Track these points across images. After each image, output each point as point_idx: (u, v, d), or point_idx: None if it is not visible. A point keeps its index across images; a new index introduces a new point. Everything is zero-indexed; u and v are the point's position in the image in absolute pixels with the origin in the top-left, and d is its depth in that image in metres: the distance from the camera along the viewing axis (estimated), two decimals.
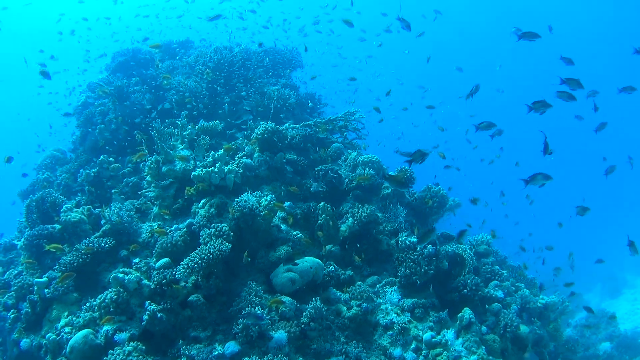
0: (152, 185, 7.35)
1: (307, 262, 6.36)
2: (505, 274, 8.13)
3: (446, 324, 6.49)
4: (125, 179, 8.44)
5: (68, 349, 5.57)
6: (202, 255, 5.82)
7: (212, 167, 6.91)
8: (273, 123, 8.17)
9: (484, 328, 6.59)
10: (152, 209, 7.64)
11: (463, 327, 6.38)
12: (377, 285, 6.93)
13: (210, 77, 10.09)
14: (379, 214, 7.80)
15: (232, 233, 6.31)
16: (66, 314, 6.18)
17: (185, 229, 6.64)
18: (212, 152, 7.22)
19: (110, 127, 9.35)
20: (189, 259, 5.86)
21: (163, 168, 7.20)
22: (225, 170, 7.14)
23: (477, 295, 6.98)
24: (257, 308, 5.63)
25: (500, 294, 7.21)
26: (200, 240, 6.21)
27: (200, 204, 6.92)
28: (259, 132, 8.01)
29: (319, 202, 7.47)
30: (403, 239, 7.19)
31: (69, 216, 7.02)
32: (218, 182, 6.96)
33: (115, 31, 19.31)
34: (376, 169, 8.43)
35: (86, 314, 5.93)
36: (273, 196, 6.99)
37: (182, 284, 6.09)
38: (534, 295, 8.57)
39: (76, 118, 10.45)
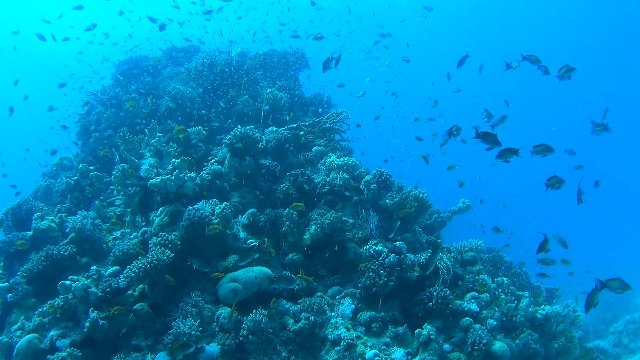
0: (121, 193, 7.57)
1: (253, 272, 6.34)
2: (492, 285, 7.77)
3: (404, 341, 6.27)
4: (110, 187, 8.78)
5: (14, 352, 5.87)
6: (141, 265, 5.96)
7: (169, 175, 7.03)
8: (246, 127, 8.20)
9: (446, 346, 6.29)
10: (126, 217, 7.90)
11: (421, 344, 6.14)
12: (337, 297, 6.80)
13: (203, 81, 10.30)
14: (350, 220, 7.67)
15: (179, 242, 6.41)
16: (22, 318, 6.51)
17: (139, 238, 6.81)
18: (173, 160, 7.34)
19: (104, 134, 9.75)
20: (129, 268, 6.01)
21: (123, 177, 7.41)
22: (186, 178, 7.26)
23: (448, 308, 6.69)
24: (188, 319, 5.70)
25: (474, 306, 6.86)
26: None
27: (159, 212, 7.07)
28: (229, 137, 8.08)
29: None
30: (367, 247, 7.02)
31: (39, 224, 7.38)
32: (175, 190, 7.07)
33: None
34: (351, 173, 8.27)
35: (37, 318, 6.21)
36: (228, 204, 7.02)
37: (130, 292, 6.26)
38: (536, 305, 8.13)
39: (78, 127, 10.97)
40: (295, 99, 11.58)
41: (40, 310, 6.27)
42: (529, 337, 7.29)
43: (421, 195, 8.01)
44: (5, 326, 6.66)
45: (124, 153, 7.49)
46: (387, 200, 8.22)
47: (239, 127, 8.15)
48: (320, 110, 12.11)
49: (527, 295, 8.19)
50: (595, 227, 39.27)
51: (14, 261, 7.30)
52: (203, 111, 10.11)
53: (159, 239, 6.36)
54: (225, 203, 6.97)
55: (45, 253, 6.83)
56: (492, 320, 6.86)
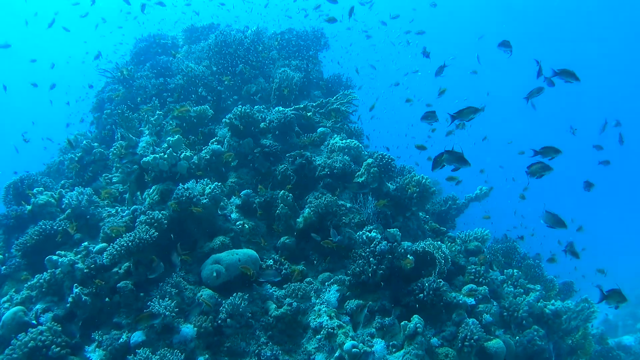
0: (119, 170, 7.60)
1: (237, 254, 6.25)
2: (501, 277, 7.48)
3: (391, 332, 6.07)
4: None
5: (0, 323, 6.00)
6: (123, 243, 5.95)
7: (162, 154, 6.99)
8: (247, 106, 8.07)
9: (434, 340, 6.06)
10: (126, 195, 7.94)
11: (407, 337, 5.92)
12: (327, 283, 6.64)
13: (216, 60, 10.21)
14: (348, 205, 7.48)
15: (166, 222, 6.37)
16: (13, 290, 6.64)
17: (130, 216, 6.81)
18: (169, 138, 7.30)
19: (116, 111, 9.81)
20: (112, 245, 6.02)
21: (124, 153, 7.42)
22: (181, 157, 7.21)
23: (442, 300, 6.43)
24: (166, 300, 5.68)
25: (470, 300, 6.59)
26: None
27: (151, 190, 7.05)
28: (228, 116, 7.98)
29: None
30: (361, 232, 6.84)
31: (38, 199, 7.49)
32: (167, 169, 7.03)
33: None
34: (353, 155, 8.05)
35: (25, 292, 6.31)
36: (219, 184, 6.92)
37: (116, 269, 6.28)
38: (547, 299, 7.80)
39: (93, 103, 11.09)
40: (313, 79, 11.35)
41: (29, 283, 6.36)
42: (535, 333, 6.98)
43: (424, 180, 7.74)
44: None
45: (121, 130, 7.49)
46: (390, 185, 7.97)
47: (240, 106, 8.03)
48: (340, 91, 11.88)
49: (538, 288, 7.84)
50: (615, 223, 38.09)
51: (12, 234, 7.43)
52: (214, 89, 10.02)
53: (145, 217, 6.34)
54: (215, 183, 6.88)
55: (39, 228, 6.92)
56: (488, 316, 6.58)
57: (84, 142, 8.74)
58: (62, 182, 8.54)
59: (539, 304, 7.36)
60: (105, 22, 20.10)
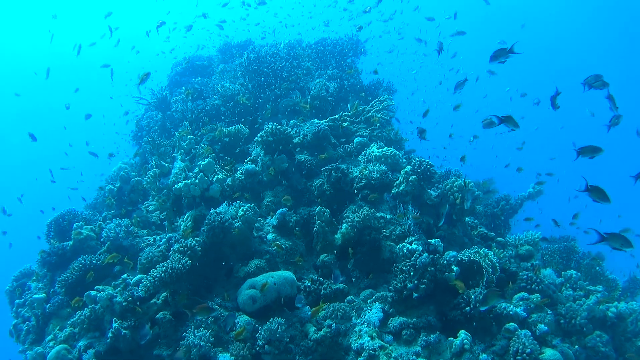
0: (155, 198, 7.64)
1: (273, 277, 6.11)
2: (559, 280, 7.05)
3: (437, 350, 5.77)
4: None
5: None
6: (156, 274, 5.93)
7: (193, 179, 6.96)
8: (277, 124, 7.96)
9: (484, 356, 5.70)
10: (165, 223, 7.98)
11: (454, 354, 5.61)
12: (369, 301, 6.40)
13: (251, 77, 10.20)
14: (388, 216, 7.22)
15: (199, 248, 6.32)
16: (57, 328, 6.75)
17: (166, 244, 6.80)
18: (200, 162, 7.27)
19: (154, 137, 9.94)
20: (145, 277, 6.01)
21: (158, 182, 7.45)
22: (213, 180, 7.17)
23: (491, 312, 6.07)
24: (201, 329, 5.60)
25: (520, 310, 6.18)
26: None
27: (185, 216, 7.03)
28: (260, 135, 7.89)
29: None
30: (401, 245, 6.57)
31: (78, 234, 7.61)
32: (200, 194, 7.00)
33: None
34: (390, 164, 7.79)
35: (68, 329, 6.40)
36: (251, 205, 6.81)
37: (154, 300, 6.27)
38: (609, 302, 7.27)
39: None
40: (351, 87, 11.15)
41: (71, 320, 6.43)
42: (598, 339, 6.50)
43: (466, 185, 7.38)
44: (44, 336, 6.94)
45: (154, 158, 7.53)
46: (432, 192, 7.66)
47: (271, 123, 7.93)
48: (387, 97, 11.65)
49: (600, 289, 7.33)
50: None
51: (56, 271, 7.58)
52: (250, 108, 10.00)
53: (179, 245, 6.31)
54: (248, 205, 6.78)
55: (79, 263, 7.02)
56: (543, 325, 6.14)
57: (122, 172, 8.86)
58: (104, 213, 8.67)
59: (601, 307, 6.85)
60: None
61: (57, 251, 7.56)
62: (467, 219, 8.15)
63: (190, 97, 10.13)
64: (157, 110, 10.51)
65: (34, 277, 7.83)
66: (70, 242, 7.65)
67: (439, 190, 7.63)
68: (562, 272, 7.58)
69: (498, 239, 7.83)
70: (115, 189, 8.73)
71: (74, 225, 7.76)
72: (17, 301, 7.77)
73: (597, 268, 8.20)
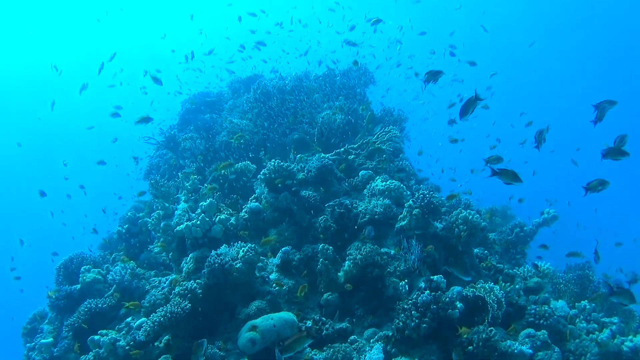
0: (160, 240, 7.72)
1: (273, 319, 6.09)
2: (572, 312, 6.85)
3: None
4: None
5: None
6: (156, 319, 5.97)
7: (195, 221, 7.03)
8: (277, 160, 8.01)
9: None
10: (172, 264, 8.04)
11: None
12: (372, 340, 6.32)
13: (256, 112, 10.31)
14: (392, 252, 7.16)
15: (200, 291, 6.34)
16: None
17: (168, 287, 6.85)
18: (202, 203, 7.34)
19: (164, 177, 10.08)
20: (145, 321, 6.05)
21: (161, 223, 7.53)
22: (215, 220, 7.22)
23: (496, 350, 5.92)
24: None
25: (526, 348, 6.02)
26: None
27: (188, 258, 7.08)
28: (263, 172, 7.94)
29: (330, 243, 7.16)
30: (404, 282, 6.50)
31: (85, 277, 7.73)
32: (201, 235, 7.05)
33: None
34: (395, 197, 7.75)
35: None
36: (252, 246, 6.83)
37: (157, 343, 6.29)
38: (624, 334, 7.03)
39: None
40: (360, 117, 11.17)
41: None
42: None
43: (471, 217, 7.28)
44: None
45: (156, 200, 7.63)
46: (438, 224, 7.58)
47: (273, 160, 7.99)
48: (393, 126, 11.62)
49: (615, 321, 7.12)
50: None
51: (64, 315, 7.68)
52: (258, 143, 10.08)
53: (180, 288, 6.34)
54: (249, 245, 6.79)
55: (85, 307, 7.11)
56: None
57: (129, 213, 8.99)
58: (114, 255, 8.79)
59: (615, 340, 6.62)
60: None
61: (65, 294, 7.69)
62: (476, 250, 8.03)
63: (198, 136, 10.28)
64: (166, 149, 10.68)
65: (46, 320, 7.95)
66: (78, 286, 7.76)
67: (445, 222, 7.55)
68: (577, 304, 7.39)
69: (507, 271, 7.69)
70: (124, 230, 8.86)
71: (82, 269, 7.89)
72: (28, 345, 7.88)
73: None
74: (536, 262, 7.98)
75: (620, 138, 6.45)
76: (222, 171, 8.76)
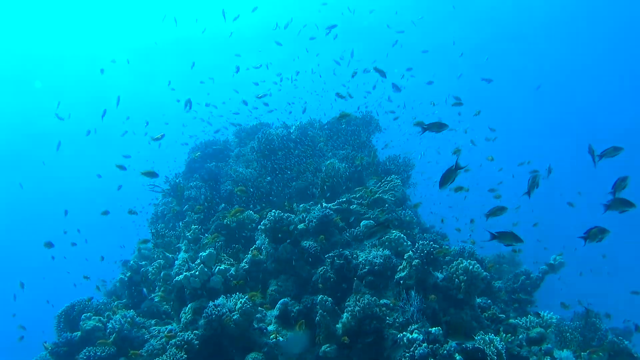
0: (161, 289, 7.75)
1: None
2: None
3: None
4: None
5: None
6: None
7: (193, 271, 7.06)
8: (278, 211, 8.07)
9: None
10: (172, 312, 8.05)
11: None
12: None
13: (260, 161, 10.43)
14: (391, 303, 7.11)
15: (197, 342, 6.34)
16: None
17: (165, 338, 6.84)
18: (201, 254, 7.39)
19: (169, 225, 10.18)
20: None
21: (162, 273, 7.58)
22: (215, 271, 7.26)
23: None
24: None
25: None
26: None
27: (187, 308, 7.09)
28: (263, 223, 7.99)
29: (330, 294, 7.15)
30: (402, 335, 6.44)
31: (86, 324, 7.75)
32: (200, 286, 7.07)
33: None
34: (394, 248, 7.75)
35: None
36: (248, 297, 6.83)
37: None
38: None
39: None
40: (365, 165, 11.25)
41: None
42: None
43: (471, 267, 7.25)
44: None
45: (155, 250, 7.70)
46: (439, 275, 7.55)
47: (274, 211, 8.05)
48: (396, 175, 11.68)
49: None
50: None
51: None
52: (262, 193, 10.17)
53: (176, 339, 6.34)
54: (246, 296, 6.80)
55: (84, 355, 7.10)
56: None
57: (131, 262, 9.05)
58: (116, 302, 8.81)
59: None
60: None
61: (65, 342, 7.69)
62: (478, 300, 7.96)
63: (203, 184, 10.40)
64: (171, 197, 10.81)
65: None
66: (79, 333, 7.77)
67: (446, 272, 7.52)
68: (582, 353, 7.28)
69: (510, 321, 7.59)
70: (126, 279, 8.90)
71: (82, 316, 7.91)
72: None
73: (621, 345, 7.83)
74: (538, 311, 7.87)
75: (621, 180, 6.44)
76: (225, 221, 8.83)
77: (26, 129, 38.39)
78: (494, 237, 5.81)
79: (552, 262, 9.96)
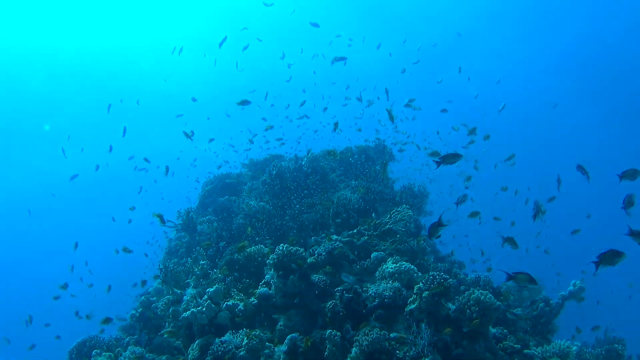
0: (171, 325, 7.71)
1: None
2: None
3: None
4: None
5: None
6: None
7: (200, 307, 7.02)
8: (286, 245, 7.99)
9: None
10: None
11: None
12: None
13: (275, 193, 10.42)
14: (405, 336, 6.95)
15: None
16: None
17: None
18: (208, 289, 7.34)
19: (181, 261, 10.17)
20: None
21: (170, 309, 7.55)
22: (223, 307, 7.20)
23: None
24: None
25: None
26: None
27: (195, 344, 7.03)
28: (272, 257, 7.92)
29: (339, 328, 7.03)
30: None
31: None
32: (207, 322, 7.01)
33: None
34: (405, 280, 7.61)
35: None
36: (257, 333, 6.74)
37: None
38: None
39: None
40: (374, 196, 11.15)
41: None
42: None
43: (483, 297, 7.07)
44: None
45: (164, 285, 7.69)
46: (451, 306, 7.37)
47: (282, 245, 7.99)
48: (409, 204, 11.54)
49: None
50: None
51: None
52: (274, 225, 10.12)
53: None
54: (254, 332, 6.71)
55: None
56: None
57: (143, 297, 9.04)
58: (127, 339, 8.78)
59: None
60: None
61: None
62: (493, 330, 7.75)
63: (215, 219, 10.41)
64: (184, 232, 10.82)
65: None
66: None
67: (458, 303, 7.34)
68: None
69: (525, 351, 7.36)
70: (137, 314, 8.88)
71: (93, 352, 7.91)
72: None
73: None
74: (557, 339, 7.65)
75: (629, 198, 6.30)
76: (235, 255, 8.79)
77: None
78: (510, 277, 5.78)
79: (572, 287, 9.70)
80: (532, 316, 9.38)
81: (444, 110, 15.74)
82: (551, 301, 9.52)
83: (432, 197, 13.03)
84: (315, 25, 19.34)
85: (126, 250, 10.18)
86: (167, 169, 9.33)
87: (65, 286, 9.88)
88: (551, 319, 9.41)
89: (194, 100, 21.91)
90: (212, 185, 12.66)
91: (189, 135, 9.98)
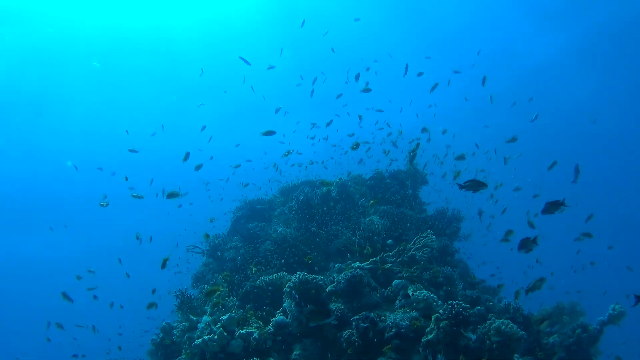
0: (187, 352, 7.64)
1: None
2: None
3: None
4: None
5: None
6: None
7: (212, 335, 6.93)
8: (303, 273, 7.82)
9: None
10: None
11: None
12: None
13: (303, 220, 10.34)
14: None
15: None
16: None
17: None
18: (222, 317, 7.25)
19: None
20: None
21: (185, 335, 7.50)
22: (236, 335, 7.09)
23: None
24: None
25: None
26: None
27: None
28: (288, 285, 7.77)
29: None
30: None
31: None
32: (218, 350, 6.90)
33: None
34: (423, 309, 7.29)
35: None
36: None
37: None
38: None
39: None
40: (410, 220, 10.87)
41: None
42: None
43: (504, 327, 6.69)
44: None
45: (180, 311, 7.66)
46: (471, 336, 7.01)
47: (299, 273, 7.85)
48: (443, 228, 11.20)
49: None
50: None
51: None
52: (301, 252, 9.98)
53: None
54: None
55: None
56: None
57: (164, 323, 9.03)
58: None
59: None
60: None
61: None
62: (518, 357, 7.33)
63: (242, 245, 10.37)
64: (211, 258, 10.82)
65: None
66: None
67: (478, 333, 6.98)
68: None
69: None
70: (158, 340, 8.87)
71: None
72: None
73: None
74: None
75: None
76: (257, 282, 8.69)
77: None
78: (461, 187, 6.27)
79: (611, 312, 9.14)
80: (569, 343, 8.86)
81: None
82: (589, 327, 8.98)
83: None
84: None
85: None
86: (187, 154, 9.48)
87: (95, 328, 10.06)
88: (589, 347, 8.87)
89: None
90: (243, 211, 12.64)
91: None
